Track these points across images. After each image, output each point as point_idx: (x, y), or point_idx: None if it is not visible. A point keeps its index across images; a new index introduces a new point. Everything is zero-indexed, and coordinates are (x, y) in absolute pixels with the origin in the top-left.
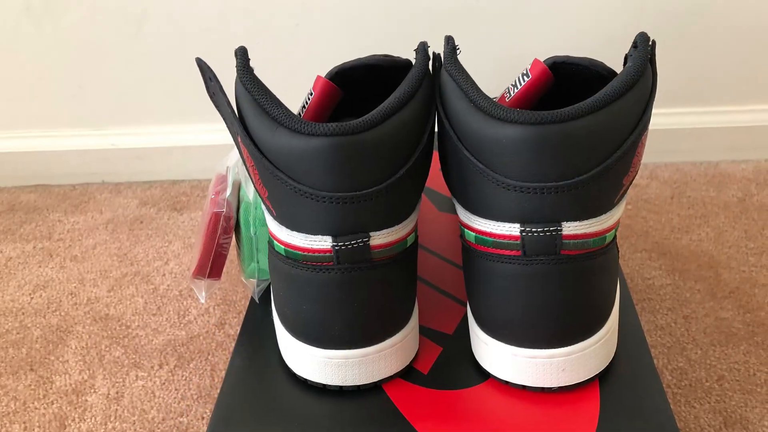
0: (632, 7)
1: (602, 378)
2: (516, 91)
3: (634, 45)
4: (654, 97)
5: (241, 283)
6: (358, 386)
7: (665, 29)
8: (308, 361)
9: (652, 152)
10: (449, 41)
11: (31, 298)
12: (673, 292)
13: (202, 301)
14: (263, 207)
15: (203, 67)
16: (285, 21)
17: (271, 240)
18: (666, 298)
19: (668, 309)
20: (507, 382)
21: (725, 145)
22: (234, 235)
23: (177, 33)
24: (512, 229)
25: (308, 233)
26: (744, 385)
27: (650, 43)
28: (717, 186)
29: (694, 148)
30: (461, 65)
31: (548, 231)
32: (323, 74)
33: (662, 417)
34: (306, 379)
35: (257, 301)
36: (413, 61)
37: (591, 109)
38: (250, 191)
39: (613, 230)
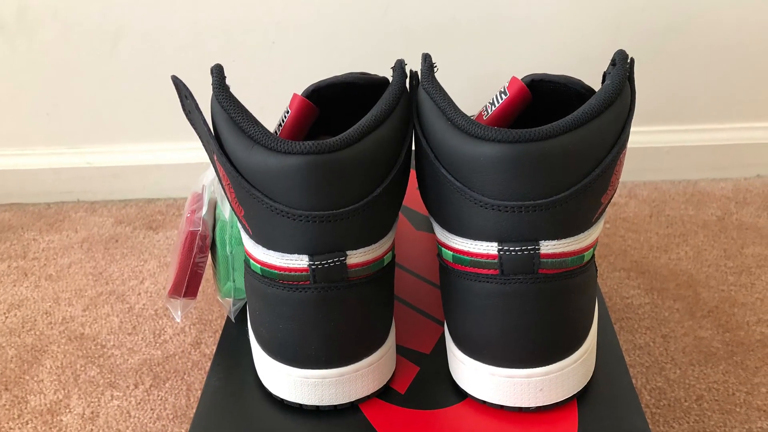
0: (611, 25)
1: (580, 398)
2: (494, 109)
3: (613, 63)
4: (632, 115)
5: (216, 302)
6: (335, 406)
7: (644, 47)
8: (284, 380)
9: (631, 171)
10: (426, 59)
11: (6, 317)
12: (651, 311)
13: (178, 320)
14: (239, 226)
15: (179, 85)
16: (261, 39)
17: (247, 259)
18: (644, 317)
19: (647, 328)
20: (485, 402)
21: (704, 164)
22: (210, 254)
23: (152, 51)
24: (490, 248)
25: (284, 252)
26: (723, 405)
27: (629, 60)
28: (696, 205)
29: (673, 166)
30: (438, 83)
31: (526, 250)
32: (300, 92)
33: None
34: (282, 399)
35: (233, 320)
36: (390, 79)
37: (569, 128)
38: (226, 210)
39: (592, 249)
